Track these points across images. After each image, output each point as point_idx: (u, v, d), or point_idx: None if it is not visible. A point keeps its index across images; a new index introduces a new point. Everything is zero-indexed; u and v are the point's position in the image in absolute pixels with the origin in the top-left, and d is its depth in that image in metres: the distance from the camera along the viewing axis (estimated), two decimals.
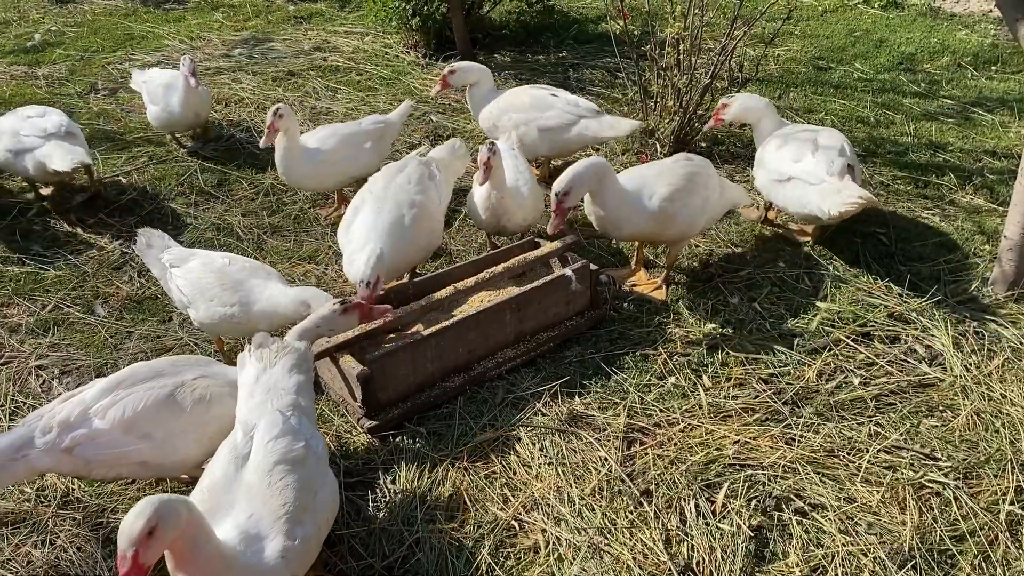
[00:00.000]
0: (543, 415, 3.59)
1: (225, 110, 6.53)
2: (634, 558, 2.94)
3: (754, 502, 3.15)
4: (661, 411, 3.62)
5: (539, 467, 3.34)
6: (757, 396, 3.69)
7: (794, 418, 3.55)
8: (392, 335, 3.80)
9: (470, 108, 5.56)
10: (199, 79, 5.45)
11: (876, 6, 8.83)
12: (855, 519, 3.08)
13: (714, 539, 3.01)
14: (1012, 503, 3.12)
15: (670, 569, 2.90)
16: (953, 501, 3.14)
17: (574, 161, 4.32)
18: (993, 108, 6.48)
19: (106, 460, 2.91)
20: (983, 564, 2.93)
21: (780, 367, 3.85)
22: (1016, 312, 4.14)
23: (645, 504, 3.15)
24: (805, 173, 4.33)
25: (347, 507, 3.18)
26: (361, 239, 3.92)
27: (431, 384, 3.68)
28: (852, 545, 2.98)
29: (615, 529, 3.05)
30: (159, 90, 5.57)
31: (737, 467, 3.32)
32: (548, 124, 5.09)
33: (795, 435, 3.46)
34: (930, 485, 3.21)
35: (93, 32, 8.31)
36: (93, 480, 3.26)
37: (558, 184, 3.90)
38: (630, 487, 3.22)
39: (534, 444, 3.44)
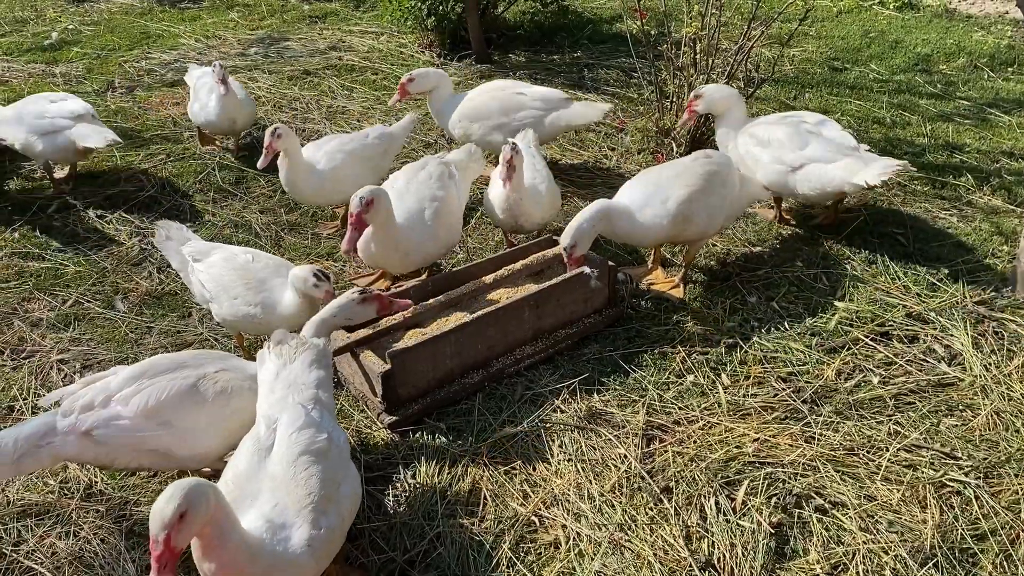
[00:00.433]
0: (562, 412, 3.60)
1: None
2: (655, 554, 2.94)
3: (774, 499, 3.15)
4: (680, 409, 3.62)
5: (558, 463, 3.34)
6: (776, 394, 3.69)
7: (813, 416, 3.55)
8: (411, 331, 3.82)
9: (432, 114, 5.53)
10: (228, 86, 5.42)
11: (891, 7, 8.82)
12: (875, 517, 3.08)
13: (734, 536, 3.01)
14: None
15: (690, 565, 2.90)
16: (974, 500, 3.13)
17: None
18: (1010, 109, 6.46)
19: (127, 445, 2.93)
20: (1004, 563, 2.92)
21: (799, 366, 3.85)
22: None
23: (665, 501, 3.15)
24: (819, 155, 4.47)
25: (368, 501, 3.19)
26: None
27: (450, 380, 3.69)
28: (873, 543, 2.97)
29: (635, 525, 3.06)
30: (204, 90, 5.63)
31: (757, 465, 3.32)
32: (523, 126, 5.10)
33: (815, 433, 3.46)
34: (951, 484, 3.21)
35: (109, 31, 8.37)
36: (115, 471, 3.29)
37: (564, 239, 3.90)
38: (650, 484, 3.22)
39: (553, 440, 3.45)
